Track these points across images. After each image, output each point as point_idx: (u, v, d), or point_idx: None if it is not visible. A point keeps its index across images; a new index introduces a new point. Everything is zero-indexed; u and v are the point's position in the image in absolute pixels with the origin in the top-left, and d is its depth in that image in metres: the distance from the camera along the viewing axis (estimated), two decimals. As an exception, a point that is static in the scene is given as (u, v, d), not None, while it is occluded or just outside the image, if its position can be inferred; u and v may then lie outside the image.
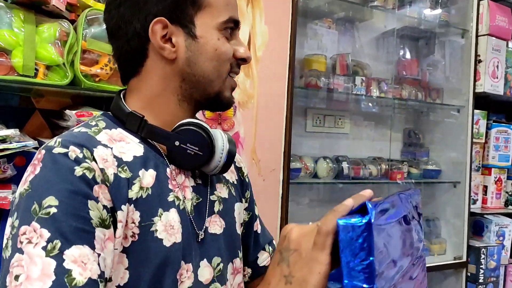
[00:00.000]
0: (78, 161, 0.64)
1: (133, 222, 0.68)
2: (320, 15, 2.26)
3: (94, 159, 0.66)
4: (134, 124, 0.75)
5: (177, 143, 0.74)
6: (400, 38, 2.49)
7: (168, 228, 0.71)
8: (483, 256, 2.32)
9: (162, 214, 0.71)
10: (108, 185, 0.66)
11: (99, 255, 0.62)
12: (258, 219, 0.98)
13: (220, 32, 0.76)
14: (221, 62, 0.76)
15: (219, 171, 0.78)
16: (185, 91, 0.77)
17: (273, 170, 1.76)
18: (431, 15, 2.44)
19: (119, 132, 0.74)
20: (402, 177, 2.30)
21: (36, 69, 1.23)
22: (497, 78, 2.38)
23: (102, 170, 0.66)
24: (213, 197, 0.82)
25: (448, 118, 2.51)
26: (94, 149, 0.68)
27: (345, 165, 2.17)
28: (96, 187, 0.64)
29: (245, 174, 0.96)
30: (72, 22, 1.33)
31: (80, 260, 0.59)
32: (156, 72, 0.77)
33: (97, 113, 1.25)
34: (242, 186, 0.93)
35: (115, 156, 0.70)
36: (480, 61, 2.35)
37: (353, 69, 2.24)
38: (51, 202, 0.61)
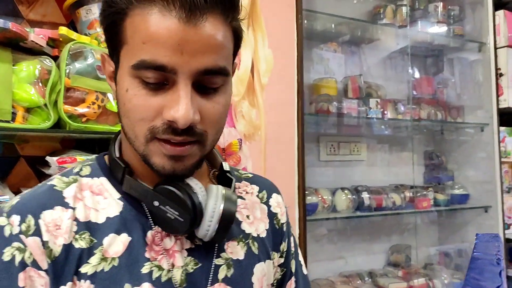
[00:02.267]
0: (11, 240, 0.57)
1: None
2: (325, 39, 2.15)
3: (36, 230, 0.58)
4: (118, 174, 0.64)
5: (156, 203, 0.61)
6: (418, 56, 2.37)
7: None
8: (525, 287, 2.10)
9: None
10: (48, 262, 0.57)
11: None
12: (295, 276, 0.80)
13: (135, 80, 0.57)
14: (132, 121, 0.58)
15: (214, 238, 0.63)
16: None
17: (287, 207, 1.59)
18: (444, 30, 2.31)
19: (101, 183, 0.65)
20: (428, 205, 2.12)
21: (14, 113, 1.09)
22: (521, 91, 2.22)
23: (44, 243, 0.57)
24: (218, 261, 0.67)
25: (470, 136, 2.35)
26: (46, 212, 0.59)
27: (365, 195, 1.99)
28: (21, 275, 0.56)
29: (281, 222, 0.78)
30: (55, 58, 1.21)
31: None
32: None
33: (82, 158, 1.11)
34: (276, 238, 0.77)
35: (76, 219, 0.61)
36: (501, 74, 2.20)
37: (366, 91, 2.10)
38: None
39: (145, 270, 0.61)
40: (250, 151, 1.51)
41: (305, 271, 0.83)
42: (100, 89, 1.17)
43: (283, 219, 0.79)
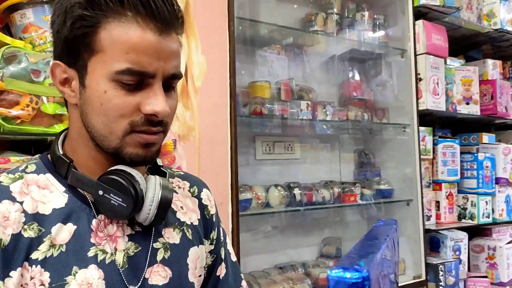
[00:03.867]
0: None
1: (42, 284, 0.65)
2: (268, 42, 2.25)
3: None
4: (62, 170, 0.72)
5: (100, 192, 0.70)
6: (348, 61, 2.51)
7: (84, 286, 0.67)
8: (441, 273, 2.31)
9: (77, 272, 0.67)
10: None
11: None
12: (224, 262, 0.91)
13: (113, 83, 0.66)
14: (110, 118, 0.68)
15: (154, 221, 0.72)
16: (91, 139, 0.72)
17: (221, 204, 1.68)
18: (370, 37, 2.48)
19: (46, 178, 0.72)
20: (355, 199, 2.28)
21: None
22: (438, 94, 2.43)
23: None
24: (156, 245, 0.77)
25: (395, 136, 2.53)
26: None
27: (297, 191, 2.12)
28: None
29: (211, 213, 0.90)
30: (-11, 62, 1.24)
31: None
32: (71, 115, 0.75)
33: (16, 159, 1.16)
34: (206, 226, 0.88)
35: (24, 211, 0.67)
36: (420, 79, 2.40)
37: (298, 93, 2.23)
38: None
39: (90, 253, 0.69)
40: (184, 151, 1.60)
41: (233, 259, 0.94)
42: (34, 92, 1.21)
43: (212, 211, 0.91)
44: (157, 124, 0.70)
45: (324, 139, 2.46)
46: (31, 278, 0.65)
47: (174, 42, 0.70)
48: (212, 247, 0.89)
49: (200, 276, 0.84)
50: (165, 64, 0.68)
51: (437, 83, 2.42)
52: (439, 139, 2.53)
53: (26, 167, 0.73)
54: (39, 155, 0.77)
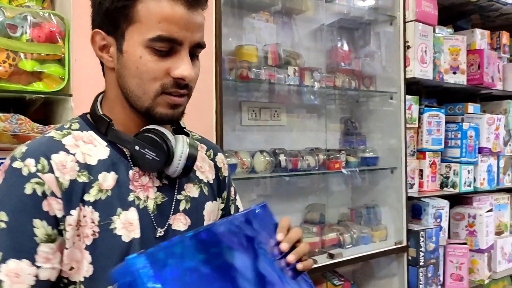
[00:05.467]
0: (29, 177, 0.73)
1: (93, 222, 0.77)
2: (257, 8, 2.20)
3: (49, 168, 0.75)
4: (103, 127, 0.83)
5: (137, 147, 0.81)
6: (337, 30, 2.48)
7: (127, 225, 0.79)
8: (422, 239, 2.35)
9: (121, 213, 0.80)
10: (61, 192, 0.75)
11: (38, 267, 0.73)
12: None
13: (147, 49, 0.77)
14: (144, 80, 0.78)
15: (181, 174, 0.84)
16: (126, 100, 0.82)
17: (206, 168, 1.67)
18: (360, 3, 2.44)
19: (90, 134, 0.83)
20: (340, 167, 2.29)
21: None
22: (425, 63, 2.42)
23: (57, 178, 0.75)
24: (179, 197, 0.88)
25: (382, 105, 2.53)
26: (54, 155, 0.76)
27: (282, 157, 2.12)
28: (45, 202, 0.74)
29: (224, 175, 1.01)
30: (-36, 15, 1.18)
31: (14, 273, 0.71)
32: (108, 79, 0.85)
33: (-7, 115, 1.13)
34: (219, 186, 0.99)
35: (77, 161, 0.78)
36: (408, 47, 2.38)
37: (285, 59, 2.20)
38: (2, 217, 0.72)
39: (130, 198, 0.82)
40: (168, 114, 1.56)
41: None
42: (11, 47, 1.17)
43: (225, 173, 1.02)
44: (184, 87, 0.81)
45: (311, 106, 2.44)
46: (84, 216, 0.77)
47: (200, 16, 0.80)
48: (223, 205, 1.01)
49: None
50: (191, 34, 0.78)
51: (425, 52, 2.41)
52: (425, 108, 2.54)
53: (71, 125, 0.84)
54: (79, 115, 0.88)
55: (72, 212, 0.76)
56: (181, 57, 0.78)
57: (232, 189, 1.05)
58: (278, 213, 2.30)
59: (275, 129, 2.34)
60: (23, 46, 1.16)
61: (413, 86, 2.56)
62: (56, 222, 0.75)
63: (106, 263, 0.77)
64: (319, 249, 2.17)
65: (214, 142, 1.68)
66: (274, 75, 2.08)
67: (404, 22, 2.37)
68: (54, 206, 0.75)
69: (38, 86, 1.21)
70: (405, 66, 2.36)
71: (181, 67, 0.78)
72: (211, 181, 0.97)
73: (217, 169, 1.00)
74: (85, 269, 0.77)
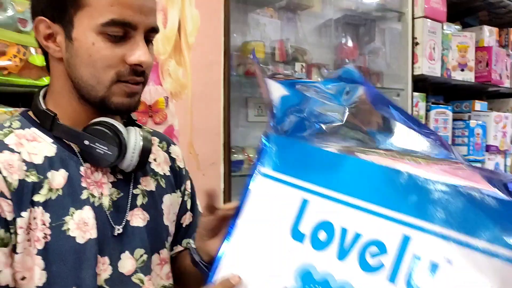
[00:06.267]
0: None
1: (44, 224, 0.71)
2: (261, 4, 2.18)
3: None
4: (47, 123, 0.76)
5: (86, 142, 0.75)
6: (342, 26, 2.46)
7: (81, 225, 0.74)
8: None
9: (74, 213, 0.74)
10: (10, 192, 0.69)
11: None
12: (191, 211, 0.97)
13: (100, 35, 0.71)
14: (98, 69, 0.73)
15: (136, 168, 0.80)
16: (77, 91, 0.76)
17: (213, 164, 1.67)
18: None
19: (33, 131, 0.76)
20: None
21: None
22: (434, 60, 2.41)
23: (4, 178, 0.69)
24: (136, 191, 0.84)
25: (388, 101, 2.51)
26: None
27: (289, 154, 2.11)
28: None
29: (180, 166, 0.96)
30: (-27, 9, 1.18)
31: None
32: (54, 70, 0.79)
33: (3, 110, 1.12)
34: (176, 178, 0.94)
35: (24, 161, 0.72)
36: (417, 43, 2.37)
37: (292, 55, 2.19)
38: None
39: (83, 196, 0.76)
40: (177, 109, 1.56)
41: (201, 210, 0.98)
42: (21, 42, 1.16)
43: (181, 165, 0.97)
44: (141, 74, 0.75)
45: (317, 102, 2.43)
46: (34, 218, 0.71)
47: (152, 0, 0.76)
48: (181, 198, 0.95)
49: (174, 221, 0.92)
50: (146, 18, 0.73)
51: (434, 48, 2.40)
52: (432, 105, 2.52)
53: (11, 124, 0.77)
54: (18, 112, 0.81)
55: (23, 214, 0.70)
56: (136, 42, 0.73)
57: (189, 183, 0.98)
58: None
59: (281, 125, 2.33)
60: (34, 40, 1.15)
61: (420, 83, 2.55)
62: (6, 225, 0.69)
63: (60, 268, 0.71)
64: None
65: (222, 137, 1.68)
66: (281, 71, 2.07)
67: (413, 19, 2.36)
68: (4, 208, 0.69)
69: (48, 80, 1.21)
70: (413, 63, 2.35)
71: (137, 52, 0.73)
72: (168, 173, 0.92)
73: (173, 160, 0.95)
74: (38, 277, 0.70)
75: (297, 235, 0.65)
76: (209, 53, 1.65)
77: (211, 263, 0.75)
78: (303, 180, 0.67)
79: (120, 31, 0.72)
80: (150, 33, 0.76)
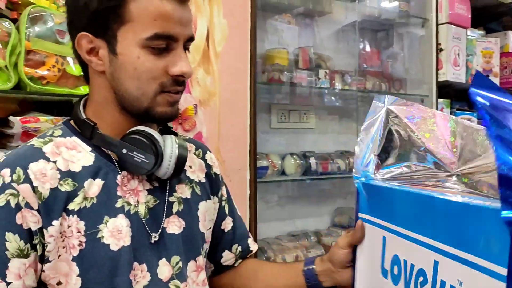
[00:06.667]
0: (4, 188, 0.70)
1: (79, 232, 0.73)
2: (279, 10, 2.21)
3: (25, 178, 0.71)
4: (87, 132, 0.78)
5: (124, 151, 0.77)
6: (360, 31, 2.47)
7: (115, 233, 0.76)
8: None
9: (108, 221, 0.76)
10: (38, 203, 0.71)
11: (9, 283, 0.68)
12: (228, 217, 0.99)
13: (144, 49, 0.74)
14: (142, 81, 0.75)
15: (172, 176, 0.81)
16: (120, 103, 0.79)
17: (239, 170, 1.69)
18: (392, 5, 2.43)
19: (73, 140, 0.79)
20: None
21: (-25, 74, 1.12)
22: (458, 66, 2.39)
23: (35, 188, 0.71)
24: (171, 199, 0.85)
25: (412, 108, 2.50)
26: (32, 164, 0.72)
27: (312, 160, 2.13)
28: (19, 215, 0.70)
29: (216, 173, 0.98)
30: (14, 21, 1.23)
31: None
32: (95, 82, 0.80)
33: (44, 118, 1.16)
34: (212, 185, 0.95)
35: (58, 169, 0.74)
36: (441, 49, 2.36)
37: (316, 62, 2.21)
38: None
39: (118, 205, 0.77)
40: (205, 117, 1.60)
41: (239, 214, 1.03)
42: (59, 52, 1.20)
43: (217, 171, 0.99)
44: (181, 83, 0.78)
45: (340, 109, 2.44)
46: (69, 227, 0.73)
47: (189, 10, 0.78)
48: (218, 204, 0.97)
49: (210, 228, 0.94)
50: (185, 28, 0.76)
51: (458, 54, 2.39)
52: (457, 111, 2.51)
53: (53, 132, 0.80)
54: (61, 121, 0.84)
55: (54, 222, 0.72)
56: (177, 54, 0.76)
57: (225, 188, 1.01)
58: (306, 215, 2.32)
59: (303, 132, 2.35)
60: (71, 51, 1.19)
61: (444, 89, 2.53)
62: (29, 236, 0.70)
63: (95, 274, 0.73)
64: None
65: (248, 143, 1.71)
66: (305, 78, 2.09)
67: (437, 25, 2.35)
68: (29, 219, 0.70)
69: (84, 89, 1.25)
70: (437, 69, 2.34)
71: (180, 63, 0.76)
72: (203, 180, 0.93)
73: (208, 167, 0.96)
74: (73, 282, 0.72)
75: (384, 272, 0.70)
76: (236, 62, 1.67)
77: None
78: (381, 219, 0.73)
79: (163, 44, 0.74)
80: (188, 42, 0.79)
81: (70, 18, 0.78)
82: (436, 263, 0.58)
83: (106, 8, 0.73)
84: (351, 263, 0.83)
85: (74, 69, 1.23)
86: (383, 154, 0.78)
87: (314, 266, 0.89)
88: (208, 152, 1.00)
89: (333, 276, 0.86)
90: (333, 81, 2.19)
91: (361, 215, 0.79)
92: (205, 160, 0.97)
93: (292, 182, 2.16)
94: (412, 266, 0.64)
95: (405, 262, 0.65)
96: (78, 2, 0.74)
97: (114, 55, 0.75)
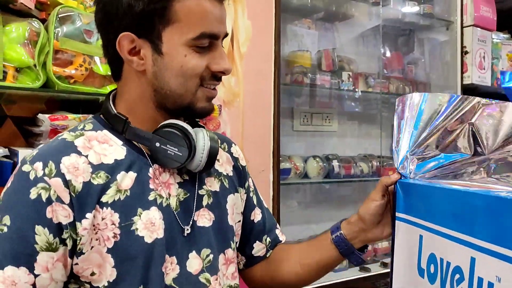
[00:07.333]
0: (36, 181, 0.70)
1: (113, 224, 0.74)
2: (299, 15, 2.20)
3: (58, 172, 0.71)
4: (119, 126, 0.79)
5: (157, 144, 0.77)
6: (389, 35, 2.45)
7: (148, 225, 0.76)
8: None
9: (142, 213, 0.76)
10: (71, 196, 0.71)
11: (36, 276, 0.69)
12: (257, 208, 1.00)
13: (190, 48, 0.76)
14: (187, 78, 0.77)
15: (203, 169, 0.81)
16: (159, 100, 0.79)
17: (263, 171, 1.69)
18: (415, 9, 2.40)
19: (104, 134, 0.79)
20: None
21: (5, 72, 1.14)
22: (484, 69, 2.35)
23: (68, 182, 0.71)
24: (201, 192, 0.85)
25: (436, 112, 2.46)
26: (65, 158, 0.73)
27: (335, 163, 2.11)
28: (49, 208, 0.70)
29: (242, 165, 0.98)
30: (43, 21, 1.25)
31: (11, 280, 0.68)
32: (132, 80, 0.80)
33: (72, 116, 1.17)
34: (240, 177, 0.96)
35: (90, 163, 0.75)
36: (466, 52, 2.32)
37: (338, 64, 2.19)
38: (6, 221, 0.69)
39: (151, 197, 0.78)
40: (229, 117, 1.59)
41: (266, 205, 1.03)
42: (87, 52, 1.22)
43: (243, 163, 0.99)
44: (220, 79, 0.80)
45: (364, 112, 2.42)
46: (103, 219, 0.73)
47: (225, 8, 0.80)
48: (245, 195, 0.97)
49: (239, 221, 0.94)
50: (223, 26, 0.79)
51: (483, 57, 2.35)
52: (482, 115, 2.46)
53: (84, 126, 0.80)
54: (91, 116, 0.84)
55: (87, 215, 0.72)
56: (218, 51, 0.78)
57: (250, 180, 1.01)
58: (327, 219, 2.30)
59: (326, 135, 2.33)
60: (98, 50, 1.20)
61: (469, 93, 2.49)
62: (59, 231, 0.70)
63: (129, 266, 0.74)
64: (371, 257, 2.14)
65: (271, 145, 1.70)
66: (328, 80, 2.08)
67: (462, 27, 2.32)
68: (59, 213, 0.70)
69: (111, 88, 1.26)
70: (462, 72, 2.31)
71: (221, 61, 0.78)
72: (230, 173, 0.94)
73: (235, 159, 0.97)
74: (109, 273, 0.73)
75: (420, 271, 0.69)
76: (260, 63, 1.67)
77: (362, 250, 0.88)
78: (418, 217, 0.72)
79: (207, 42, 0.76)
80: (224, 38, 0.82)
81: (108, 19, 0.77)
82: (473, 260, 0.57)
83: (152, 10, 0.74)
84: (382, 217, 0.84)
85: (101, 68, 1.25)
86: (422, 149, 0.77)
87: (341, 232, 0.89)
88: (233, 144, 1.00)
89: (364, 235, 0.86)
90: (357, 84, 2.17)
91: (398, 214, 0.78)
92: (231, 153, 0.97)
93: (313, 186, 2.15)
94: (448, 264, 0.62)
95: (441, 260, 0.64)
96: (121, 3, 0.74)
97: (159, 54, 0.76)
